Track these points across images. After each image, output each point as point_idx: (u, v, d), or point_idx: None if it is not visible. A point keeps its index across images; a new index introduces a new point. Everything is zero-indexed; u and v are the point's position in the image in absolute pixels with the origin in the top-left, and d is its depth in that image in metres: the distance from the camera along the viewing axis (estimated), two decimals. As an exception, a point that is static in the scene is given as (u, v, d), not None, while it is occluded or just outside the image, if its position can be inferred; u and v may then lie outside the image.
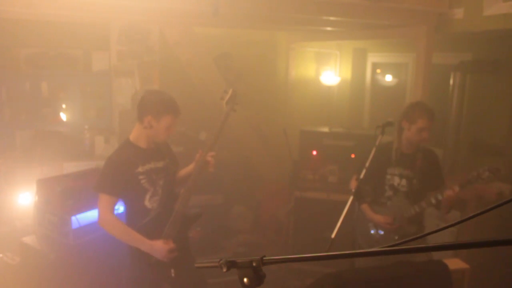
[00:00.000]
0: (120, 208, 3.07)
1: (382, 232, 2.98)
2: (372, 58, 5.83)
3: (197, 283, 2.64)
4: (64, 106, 4.59)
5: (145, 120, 2.38)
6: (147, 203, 2.45)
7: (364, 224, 3.05)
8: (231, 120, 2.74)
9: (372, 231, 3.02)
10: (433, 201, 2.74)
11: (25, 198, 3.69)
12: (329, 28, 4.88)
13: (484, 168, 2.57)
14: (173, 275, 2.47)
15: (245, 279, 0.96)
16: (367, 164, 2.61)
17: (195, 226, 4.02)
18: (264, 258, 0.96)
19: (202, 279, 2.70)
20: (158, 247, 2.35)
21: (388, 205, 2.97)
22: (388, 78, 5.74)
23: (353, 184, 3.02)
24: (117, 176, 2.37)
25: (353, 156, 4.26)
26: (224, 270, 0.98)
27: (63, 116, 4.59)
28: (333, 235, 2.29)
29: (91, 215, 2.93)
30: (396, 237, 2.92)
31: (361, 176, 2.60)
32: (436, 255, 2.70)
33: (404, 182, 2.93)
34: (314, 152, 4.41)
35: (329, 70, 5.97)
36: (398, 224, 2.89)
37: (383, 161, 2.93)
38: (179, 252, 2.49)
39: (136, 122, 2.48)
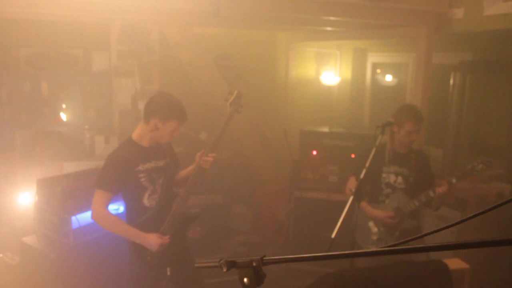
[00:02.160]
0: (120, 208, 3.08)
1: (382, 229, 3.00)
2: (372, 58, 5.83)
3: (195, 282, 2.65)
4: (64, 106, 4.59)
5: (151, 122, 2.40)
6: (145, 201, 2.46)
7: (364, 223, 3.06)
8: (231, 121, 2.74)
9: (373, 230, 3.03)
10: (424, 199, 2.85)
11: (25, 198, 3.68)
12: (329, 28, 4.88)
13: (478, 160, 2.69)
14: (168, 273, 2.48)
15: (245, 279, 0.96)
16: (367, 164, 2.61)
17: (195, 226, 4.02)
18: (264, 258, 0.97)
19: (199, 279, 2.70)
20: (151, 240, 2.37)
21: (386, 203, 3.02)
22: (388, 78, 5.73)
23: (352, 185, 3.05)
24: (116, 173, 2.39)
25: (353, 156, 4.26)
26: (224, 270, 0.98)
27: (63, 116, 4.59)
28: (333, 235, 2.30)
29: (91, 215, 2.93)
30: (397, 233, 2.96)
31: (361, 176, 2.61)
32: (436, 255, 2.70)
33: (400, 179, 3.01)
34: (314, 152, 4.40)
35: (329, 70, 5.97)
36: (398, 219, 2.93)
37: (378, 161, 2.98)
38: (176, 252, 2.50)
39: (140, 121, 2.49)
